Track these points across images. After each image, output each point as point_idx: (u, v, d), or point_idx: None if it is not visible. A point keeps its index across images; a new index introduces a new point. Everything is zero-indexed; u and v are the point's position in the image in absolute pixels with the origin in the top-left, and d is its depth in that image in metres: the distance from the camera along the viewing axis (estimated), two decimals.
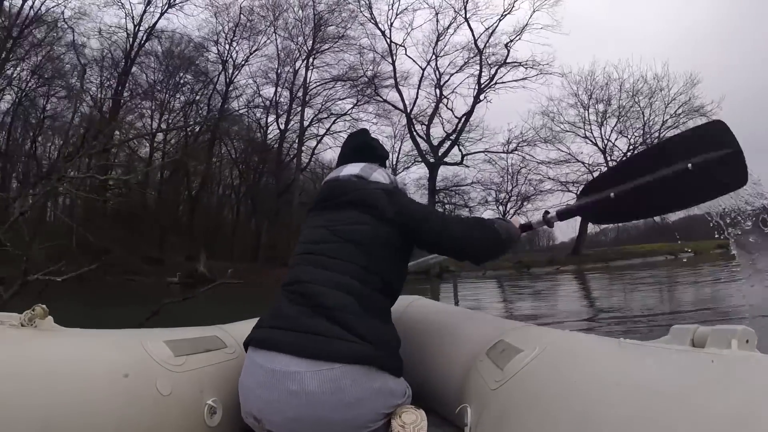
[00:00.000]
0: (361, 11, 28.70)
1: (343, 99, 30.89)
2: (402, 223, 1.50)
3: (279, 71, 29.67)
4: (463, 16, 28.46)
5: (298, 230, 1.76)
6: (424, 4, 29.67)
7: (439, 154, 29.85)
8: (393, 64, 29.39)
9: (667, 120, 29.07)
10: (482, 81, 29.39)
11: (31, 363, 1.06)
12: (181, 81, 28.45)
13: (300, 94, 29.37)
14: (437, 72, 30.11)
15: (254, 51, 29.26)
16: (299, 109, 29.64)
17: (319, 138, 31.45)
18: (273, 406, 1.25)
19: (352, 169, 1.68)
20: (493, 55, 29.30)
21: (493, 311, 9.18)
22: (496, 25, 28.39)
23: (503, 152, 30.45)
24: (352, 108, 31.13)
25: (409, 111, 29.70)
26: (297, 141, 30.36)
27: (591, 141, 30.69)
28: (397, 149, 33.58)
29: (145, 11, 25.97)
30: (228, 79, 29.22)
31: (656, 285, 13.14)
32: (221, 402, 1.37)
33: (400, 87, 29.78)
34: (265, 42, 29.22)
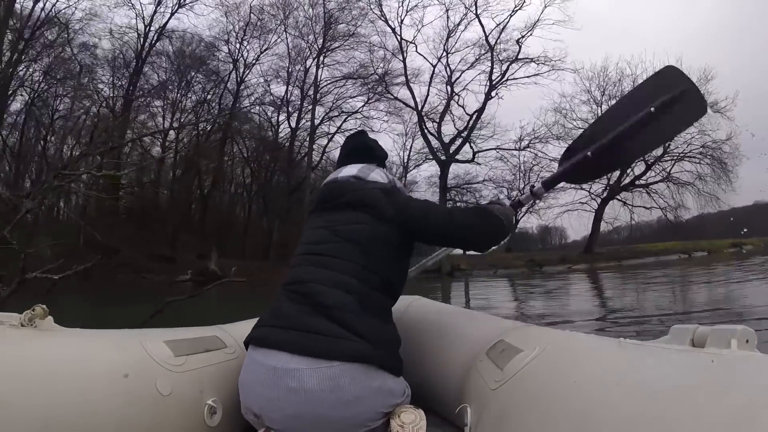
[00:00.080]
0: (371, 8, 28.63)
1: (354, 97, 30.97)
2: (402, 222, 1.51)
3: (290, 70, 29.74)
4: (474, 12, 28.29)
5: None
6: (435, 1, 29.46)
7: (451, 152, 29.71)
8: (404, 61, 29.33)
9: None
10: (493, 77, 29.23)
11: (31, 363, 1.06)
12: (193, 80, 28.60)
13: (311, 92, 29.38)
14: (448, 69, 29.98)
15: (265, 50, 29.37)
16: (310, 107, 29.67)
17: (330, 136, 31.57)
18: (273, 403, 1.25)
19: (350, 170, 1.70)
20: (504, 51, 29.13)
21: (501, 310, 9.15)
22: (507, 20, 28.19)
23: (515, 149, 30.29)
24: (363, 106, 31.17)
25: (420, 108, 29.61)
26: (308, 139, 30.39)
27: None
28: (409, 147, 33.63)
29: (155, 11, 26.13)
30: (239, 78, 29.35)
31: (669, 285, 12.99)
32: (221, 402, 1.37)
33: (411, 84, 29.70)
34: (276, 41, 29.31)
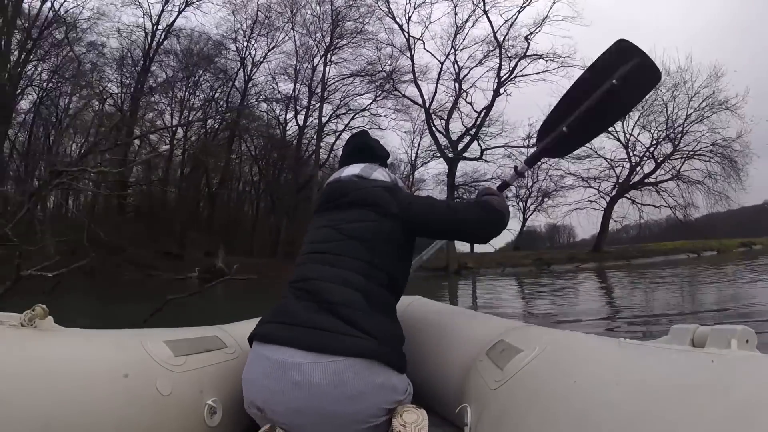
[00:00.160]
0: (378, 5, 28.51)
1: (361, 95, 30.87)
2: (407, 218, 1.54)
3: (297, 67, 29.77)
4: (482, 8, 27.94)
5: None
6: None
7: (459, 149, 29.53)
8: (411, 58, 29.13)
9: (690, 114, 28.40)
10: (502, 74, 28.88)
11: (31, 363, 1.06)
12: (200, 79, 28.75)
13: (318, 90, 29.43)
14: (456, 66, 29.73)
15: (272, 48, 29.44)
16: (318, 105, 29.72)
17: (337, 134, 31.52)
18: (277, 396, 1.26)
19: (353, 169, 1.72)
20: (512, 47, 28.71)
21: (507, 309, 9.13)
22: (515, 17, 27.77)
23: (524, 147, 30.03)
24: (371, 103, 31.07)
25: (428, 106, 29.44)
26: (316, 137, 30.48)
27: (613, 135, 29.94)
28: (416, 144, 33.59)
29: (163, 10, 26.28)
30: (247, 77, 29.47)
31: (677, 284, 12.90)
32: (221, 402, 1.37)
33: (419, 82, 29.46)
34: (283, 39, 29.37)
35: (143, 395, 1.18)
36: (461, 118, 29.91)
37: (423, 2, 28.32)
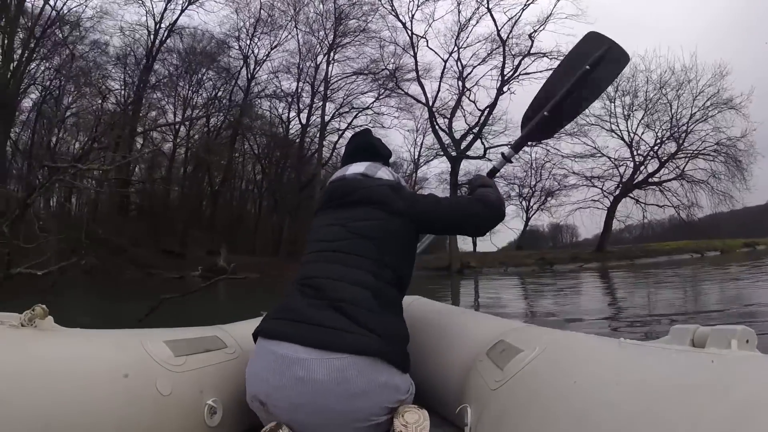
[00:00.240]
0: (381, 3, 28.35)
1: (364, 93, 30.85)
2: (413, 215, 1.56)
3: (300, 66, 29.79)
4: (486, 6, 27.89)
5: None
6: None
7: (462, 148, 29.44)
8: (414, 56, 28.98)
9: (695, 113, 28.14)
10: (505, 72, 28.71)
11: (31, 363, 1.06)
12: (203, 77, 28.79)
13: (321, 88, 29.42)
14: (459, 64, 29.61)
15: (275, 46, 29.45)
16: (320, 103, 29.71)
17: (340, 132, 31.61)
18: (280, 391, 1.26)
19: (358, 167, 1.73)
20: (516, 45, 28.56)
21: (509, 308, 9.13)
22: (519, 15, 27.57)
23: (527, 145, 29.89)
24: (374, 102, 31.06)
25: (431, 104, 29.34)
26: (319, 135, 30.46)
27: (617, 134, 29.89)
28: (419, 143, 33.57)
29: (165, 8, 26.32)
30: (250, 75, 29.51)
31: (681, 284, 12.88)
32: (221, 402, 1.37)
33: (422, 80, 29.28)
34: (286, 37, 29.37)
35: (143, 395, 1.18)
36: (464, 116, 29.82)
37: (426, 0, 28.32)
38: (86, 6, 23.05)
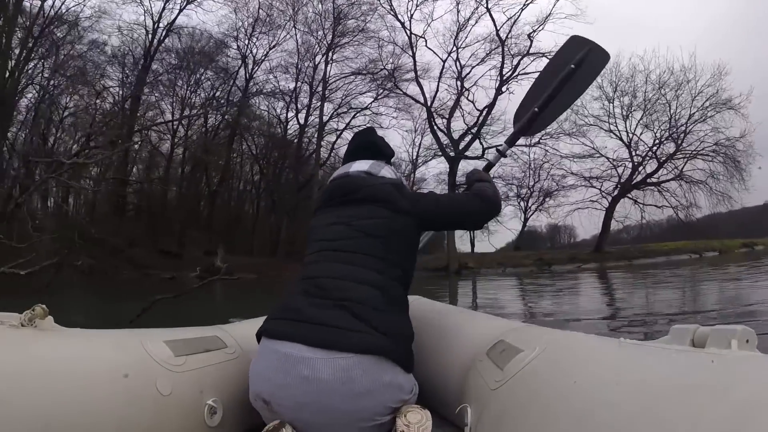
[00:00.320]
0: (380, 3, 28.26)
1: (363, 93, 30.78)
2: (417, 213, 1.58)
3: (299, 66, 29.72)
4: (485, 6, 27.86)
5: None
6: None
7: (460, 148, 29.39)
8: (413, 56, 28.94)
9: (694, 113, 28.05)
10: (504, 72, 28.69)
11: (31, 363, 1.06)
12: (202, 77, 28.73)
13: (320, 88, 29.38)
14: (458, 64, 29.57)
15: (274, 46, 29.37)
16: (319, 103, 29.69)
17: (338, 133, 31.54)
18: (284, 390, 1.27)
19: (361, 165, 1.73)
20: (515, 45, 28.53)
21: (507, 309, 9.14)
22: (518, 14, 27.57)
23: (525, 146, 29.80)
24: (372, 102, 30.97)
25: (429, 104, 29.26)
26: (317, 136, 30.43)
27: (615, 135, 29.79)
28: (417, 143, 33.50)
29: (164, 8, 26.22)
30: (248, 75, 29.47)
31: (679, 285, 12.89)
32: (221, 402, 1.37)
33: (421, 80, 29.22)
34: (285, 37, 29.30)
35: (143, 395, 1.18)
36: (463, 116, 29.75)
37: (425, 0, 28.30)
38: (84, 5, 23.02)
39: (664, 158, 28.97)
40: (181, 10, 26.58)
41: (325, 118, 30.21)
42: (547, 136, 29.03)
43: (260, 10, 28.34)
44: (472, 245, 34.58)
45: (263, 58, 29.50)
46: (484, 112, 28.99)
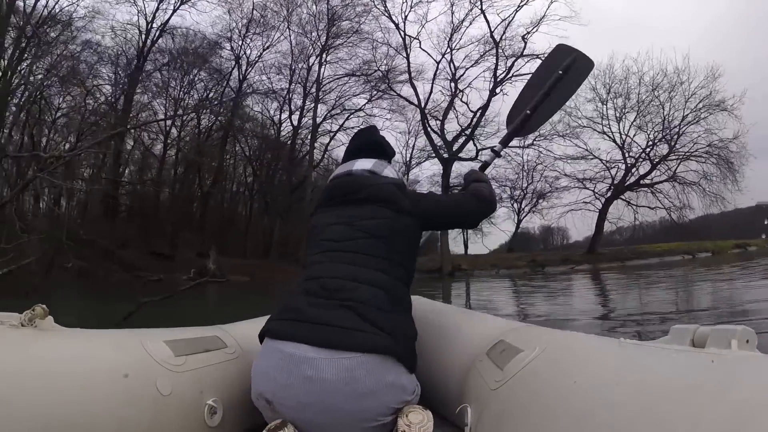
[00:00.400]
0: (374, 5, 28.17)
1: (356, 95, 30.70)
2: (418, 213, 1.58)
3: (292, 67, 29.59)
4: (479, 7, 27.85)
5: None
6: None
7: (454, 150, 29.41)
8: (407, 58, 28.97)
9: (687, 115, 28.24)
10: (498, 74, 28.79)
11: (31, 363, 1.06)
12: (195, 78, 28.58)
13: (313, 90, 29.29)
14: (452, 65, 29.60)
15: (267, 47, 29.21)
16: (312, 105, 29.57)
17: (332, 134, 31.49)
18: (287, 390, 1.27)
19: (364, 164, 1.72)
20: (509, 47, 28.61)
21: (502, 311, 9.15)
22: (512, 16, 27.70)
23: (519, 147, 29.87)
24: (366, 104, 30.90)
25: (423, 106, 29.26)
26: (310, 137, 30.35)
27: (609, 137, 29.95)
28: (411, 145, 33.45)
29: (158, 8, 26.01)
30: (241, 76, 29.34)
31: (673, 285, 12.95)
32: (221, 402, 1.37)
33: (415, 81, 29.21)
34: (279, 38, 29.15)
35: (143, 395, 1.18)
36: (457, 118, 29.82)
37: (420, 1, 28.18)
38: (77, 5, 22.87)
39: (657, 160, 29.19)
40: (174, 11, 26.44)
41: (318, 120, 30.14)
42: (541, 137, 29.16)
43: (254, 11, 28.27)
44: (466, 247, 34.71)
45: (257, 59, 29.44)
46: (478, 114, 29.04)
